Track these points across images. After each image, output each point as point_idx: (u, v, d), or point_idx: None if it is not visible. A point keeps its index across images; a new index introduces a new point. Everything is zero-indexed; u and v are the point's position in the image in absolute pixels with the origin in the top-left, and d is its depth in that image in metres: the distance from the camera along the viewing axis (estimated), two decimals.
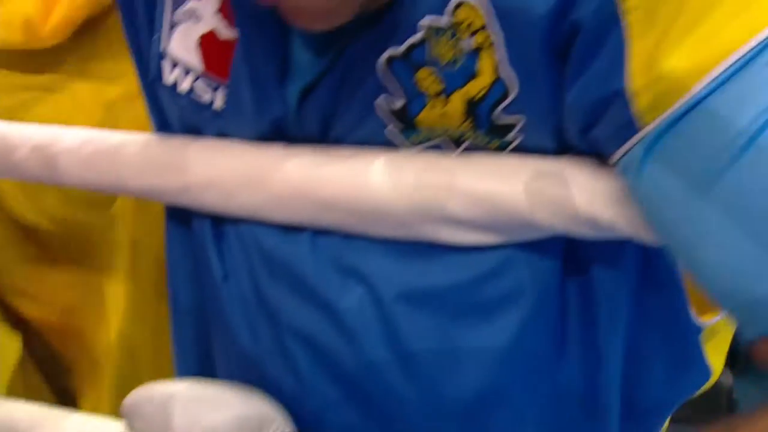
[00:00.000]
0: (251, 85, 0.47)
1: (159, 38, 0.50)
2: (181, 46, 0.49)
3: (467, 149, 0.45)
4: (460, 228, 0.44)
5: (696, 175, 0.35)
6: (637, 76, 0.35)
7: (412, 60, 0.41)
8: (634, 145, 0.37)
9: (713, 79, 0.33)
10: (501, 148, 0.44)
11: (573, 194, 0.41)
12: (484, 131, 0.43)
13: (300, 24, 0.41)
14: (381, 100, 0.43)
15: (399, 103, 0.43)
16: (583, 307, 0.48)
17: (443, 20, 0.39)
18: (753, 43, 0.33)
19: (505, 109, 0.41)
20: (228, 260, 0.53)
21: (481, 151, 0.44)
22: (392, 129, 0.45)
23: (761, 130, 0.33)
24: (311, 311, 0.49)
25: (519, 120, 0.41)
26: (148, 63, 0.52)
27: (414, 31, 0.40)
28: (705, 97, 0.34)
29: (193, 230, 0.56)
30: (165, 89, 0.51)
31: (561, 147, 0.43)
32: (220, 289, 0.53)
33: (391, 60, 0.41)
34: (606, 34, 0.36)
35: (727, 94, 0.33)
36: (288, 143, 0.49)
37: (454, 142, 0.45)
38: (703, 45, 0.34)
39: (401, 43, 0.41)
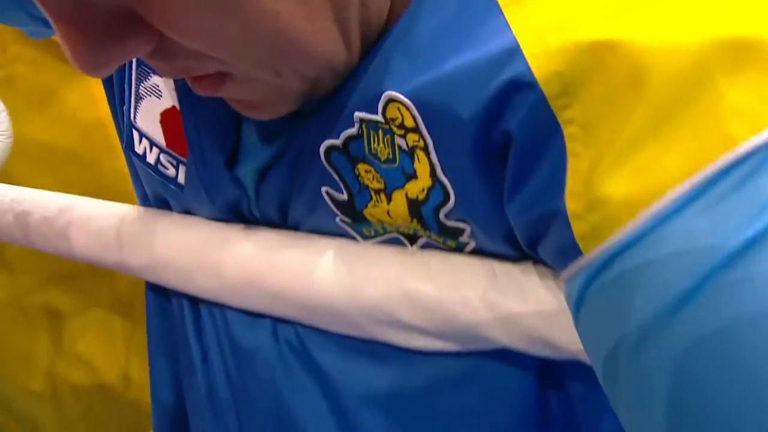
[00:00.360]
0: (199, 167, 0.44)
1: (129, 108, 0.48)
2: (146, 120, 0.47)
3: (425, 246, 0.41)
4: (412, 333, 0.40)
5: (613, 339, 0.28)
6: (572, 199, 0.30)
7: (351, 153, 0.38)
8: (576, 274, 0.31)
9: (647, 219, 0.27)
10: (458, 249, 0.39)
11: (528, 312, 0.36)
12: (436, 232, 0.38)
13: (244, 113, 0.39)
14: (326, 190, 0.40)
15: (343, 196, 0.40)
16: (566, 425, 0.42)
17: (377, 116, 0.35)
18: (693, 181, 0.26)
19: (447, 214, 0.37)
20: (204, 341, 0.51)
21: (438, 249, 0.40)
22: (342, 220, 0.41)
23: (672, 311, 0.25)
24: (272, 404, 0.46)
25: (466, 226, 0.37)
26: (123, 130, 0.50)
27: (350, 123, 0.37)
28: (636, 240, 0.27)
29: (171, 305, 0.54)
30: (138, 158, 0.49)
31: (521, 254, 0.38)
32: (198, 370, 0.51)
33: (329, 150, 0.38)
34: (543, 147, 0.30)
35: (653, 242, 0.27)
36: (248, 225, 0.47)
37: (409, 238, 0.41)
38: (641, 174, 0.27)
39: (339, 134, 0.37)
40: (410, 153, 0.35)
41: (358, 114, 0.36)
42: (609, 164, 0.28)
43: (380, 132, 0.36)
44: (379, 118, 0.35)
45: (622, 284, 0.28)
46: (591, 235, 0.29)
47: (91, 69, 0.29)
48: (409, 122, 0.34)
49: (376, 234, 0.41)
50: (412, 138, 0.35)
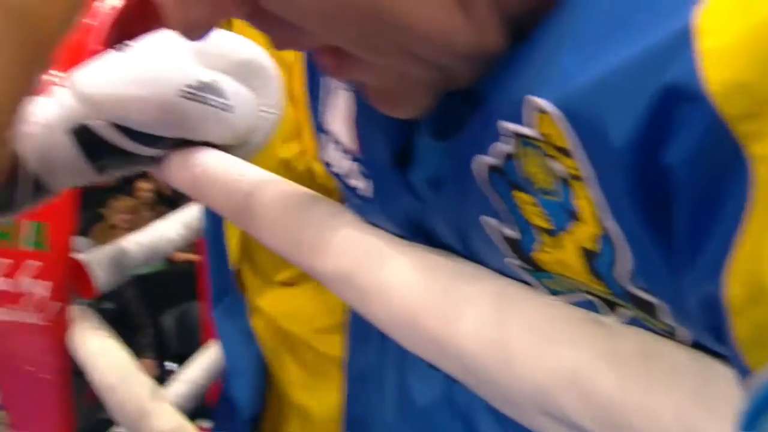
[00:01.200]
0: (370, 166, 0.38)
1: (317, 107, 0.43)
2: (336, 120, 0.41)
3: (631, 322, 0.29)
4: None
5: None
6: (736, 278, 0.18)
7: (508, 174, 0.28)
8: (746, 399, 0.18)
9: None
10: (671, 333, 0.27)
11: None
12: (629, 303, 0.27)
13: (375, 105, 0.32)
14: (487, 220, 0.30)
15: (510, 231, 0.30)
16: None
17: (531, 131, 0.25)
18: None
19: (632, 279, 0.25)
20: (384, 384, 0.47)
21: (646, 329, 0.28)
22: (514, 263, 0.31)
23: None
24: None
25: (657, 301, 0.25)
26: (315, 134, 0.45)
27: (495, 135, 0.27)
28: None
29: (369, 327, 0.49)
30: (327, 167, 0.43)
31: None
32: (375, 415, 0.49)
33: (488, 170, 0.29)
34: (724, 196, 0.18)
35: None
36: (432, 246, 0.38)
37: (607, 303, 0.29)
38: None
39: (487, 147, 0.28)
40: (568, 184, 0.25)
41: (507, 125, 0.26)
42: None
43: (534, 150, 0.26)
44: (534, 133, 0.25)
45: None
46: (756, 342, 0.18)
47: (183, 27, 0.27)
48: (561, 141, 0.24)
49: (561, 292, 0.30)
50: (567, 164, 0.24)
